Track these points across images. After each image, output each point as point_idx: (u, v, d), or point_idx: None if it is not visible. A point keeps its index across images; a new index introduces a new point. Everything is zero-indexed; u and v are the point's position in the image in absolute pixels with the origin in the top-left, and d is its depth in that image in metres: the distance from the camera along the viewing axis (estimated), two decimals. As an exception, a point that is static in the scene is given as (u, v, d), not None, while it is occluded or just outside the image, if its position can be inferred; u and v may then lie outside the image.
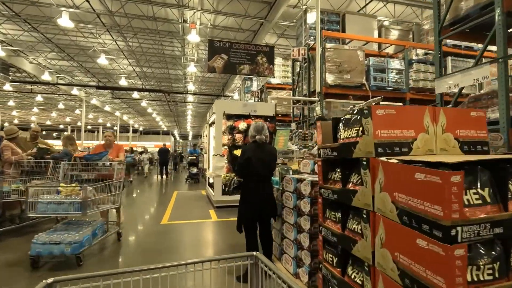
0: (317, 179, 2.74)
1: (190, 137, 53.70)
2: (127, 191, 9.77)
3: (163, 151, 14.99)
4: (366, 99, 8.15)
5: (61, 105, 29.27)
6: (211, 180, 9.10)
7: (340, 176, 2.02)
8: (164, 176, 15.08)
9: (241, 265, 1.46)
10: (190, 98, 25.70)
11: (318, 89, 7.69)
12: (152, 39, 15.00)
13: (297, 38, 9.62)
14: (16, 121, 39.41)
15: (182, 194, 9.26)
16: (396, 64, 8.15)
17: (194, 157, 13.12)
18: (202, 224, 5.56)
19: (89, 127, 42.72)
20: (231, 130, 7.29)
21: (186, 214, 6.17)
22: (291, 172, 3.59)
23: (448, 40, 8.54)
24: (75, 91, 23.71)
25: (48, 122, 40.13)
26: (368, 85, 7.97)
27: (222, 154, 6.96)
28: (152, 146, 40.26)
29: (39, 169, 5.27)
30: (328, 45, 7.77)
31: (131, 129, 39.66)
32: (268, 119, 7.32)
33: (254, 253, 1.46)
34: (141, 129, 49.23)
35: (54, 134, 47.69)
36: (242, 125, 7.11)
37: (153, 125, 44.92)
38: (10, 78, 19.09)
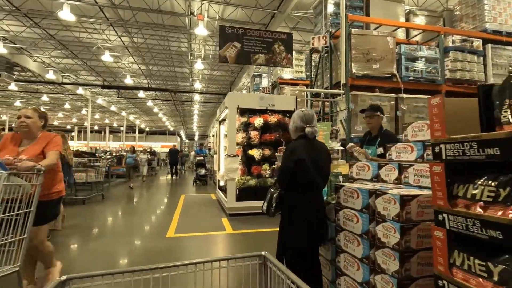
0: (404, 191, 1.76)
1: (196, 137, 52.91)
2: (128, 195, 8.89)
3: (173, 152, 15.37)
4: (396, 92, 7.15)
5: (67, 105, 28.63)
6: (221, 183, 8.17)
7: (503, 194, 1.05)
8: (174, 176, 15.51)
9: (250, 265, 1.41)
10: (196, 97, 24.86)
11: (343, 81, 6.70)
12: (158, 35, 14.13)
13: (315, 25, 8.64)
14: (23, 122, 38.96)
15: (190, 198, 8.34)
16: (430, 52, 7.12)
17: (202, 158, 12.20)
18: (215, 238, 4.61)
19: (95, 127, 42.16)
20: (246, 127, 6.34)
21: (196, 224, 5.25)
22: (341, 178, 2.62)
23: (487, 25, 7.51)
24: (80, 90, 23.01)
25: (55, 123, 39.61)
26: (399, 75, 6.95)
27: (236, 154, 6.01)
28: (159, 146, 39.53)
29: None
30: (354, 30, 6.78)
31: (137, 129, 38.97)
32: (288, 115, 6.35)
33: (263, 252, 1.41)
34: (147, 129, 48.57)
35: (62, 135, 47.24)
36: (258, 121, 6.15)
37: (159, 125, 44.24)
38: (14, 77, 18.44)
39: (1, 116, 35.97)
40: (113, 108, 28.68)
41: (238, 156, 5.99)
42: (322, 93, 7.71)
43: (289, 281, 1.16)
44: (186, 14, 12.01)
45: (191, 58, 16.80)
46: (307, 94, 8.80)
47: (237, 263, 1.39)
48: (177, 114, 30.88)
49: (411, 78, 7.00)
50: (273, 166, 6.26)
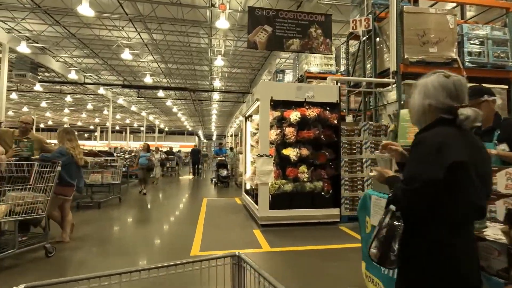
0: None
1: (214, 137, 52.49)
2: (146, 198, 8.16)
3: (195, 152, 15.79)
4: None
5: (89, 106, 28.69)
6: (248, 186, 7.22)
7: None
8: (196, 175, 15.57)
9: (223, 266, 1.35)
10: (215, 96, 24.13)
11: (393, 68, 5.59)
12: (178, 30, 13.40)
13: (352, 10, 7.54)
14: (50, 122, 39.78)
15: (213, 202, 7.44)
16: (497, 33, 5.88)
17: (223, 158, 11.31)
18: (251, 259, 3.64)
19: (117, 127, 42.47)
20: (280, 122, 5.35)
21: (224, 238, 4.30)
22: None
23: None
24: (101, 90, 22.80)
25: (79, 123, 40.20)
26: (461, 61, 5.76)
27: (269, 154, 5.04)
28: (178, 146, 39.26)
29: (21, 174, 3.59)
30: (407, 7, 5.66)
31: (157, 129, 38.86)
32: (328, 108, 5.31)
33: (237, 252, 1.38)
34: (166, 129, 48.57)
35: (86, 135, 48.08)
36: (294, 115, 5.15)
37: (178, 125, 44.05)
38: (39, 78, 18.36)
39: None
40: (133, 108, 28.48)
41: (272, 156, 5.01)
42: (364, 83, 6.61)
43: (263, 280, 1.12)
44: (207, 6, 11.19)
45: (211, 54, 16.00)
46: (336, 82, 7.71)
47: (211, 264, 1.33)
48: (195, 113, 30.34)
49: (475, 64, 5.80)
50: (311, 168, 5.25)
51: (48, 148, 4.31)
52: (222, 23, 11.30)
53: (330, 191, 5.16)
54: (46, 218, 3.73)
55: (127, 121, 36.85)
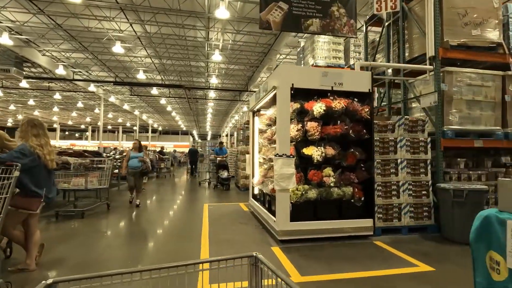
0: None
1: (209, 137, 51.27)
2: (131, 209, 6.64)
3: (193, 152, 15.34)
4: (504, 68, 5.10)
5: (80, 104, 27.23)
6: (256, 191, 6.25)
7: None
8: (194, 174, 15.10)
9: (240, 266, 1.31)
10: (211, 93, 23.04)
11: (430, 53, 4.69)
12: (173, 22, 12.31)
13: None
14: (39, 122, 37.95)
15: (215, 210, 6.42)
16: (546, 14, 5.04)
17: (224, 159, 10.28)
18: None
19: (109, 127, 40.91)
20: (299, 115, 4.39)
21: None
22: None
23: None
24: (92, 87, 21.48)
25: (70, 122, 38.52)
26: (507, 45, 4.91)
27: (290, 154, 4.07)
28: (171, 146, 37.95)
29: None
30: (448, -18, 4.77)
31: (150, 128, 37.49)
32: (356, 99, 4.38)
33: (254, 253, 1.34)
34: (160, 129, 47.13)
35: (77, 135, 46.31)
36: (318, 107, 4.21)
37: (172, 124, 42.72)
38: (24, 73, 17.01)
39: (17, 115, 34.98)
40: (126, 106, 27.16)
41: (294, 157, 4.05)
42: (389, 71, 5.71)
43: (281, 281, 1.11)
44: (205, -7, 10.18)
45: (208, 49, 14.96)
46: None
47: (228, 264, 1.29)
48: (190, 112, 29.18)
49: (523, 49, 4.95)
50: (339, 171, 4.31)
51: (9, 146, 3.24)
52: (222, 13, 10.30)
53: (362, 198, 4.23)
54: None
55: (120, 120, 35.40)
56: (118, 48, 13.37)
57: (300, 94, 4.29)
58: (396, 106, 6.17)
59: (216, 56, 13.98)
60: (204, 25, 12.66)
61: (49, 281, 1.03)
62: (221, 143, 12.03)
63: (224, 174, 9.55)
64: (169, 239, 4.44)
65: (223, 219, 5.46)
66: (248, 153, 6.74)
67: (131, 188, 6.91)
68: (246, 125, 20.17)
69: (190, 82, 21.17)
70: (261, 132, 5.90)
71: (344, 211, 4.25)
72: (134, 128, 34.85)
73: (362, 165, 4.33)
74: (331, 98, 4.39)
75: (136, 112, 30.46)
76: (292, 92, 4.14)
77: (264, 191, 5.09)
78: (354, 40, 9.49)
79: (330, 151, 4.28)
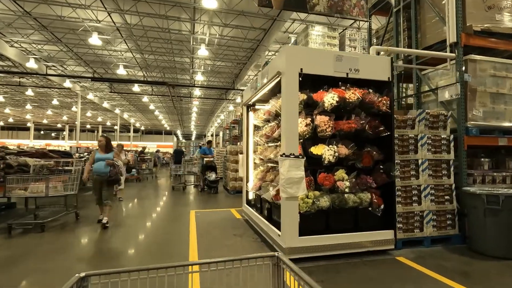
0: None
1: (193, 137, 49.83)
2: (114, 213, 5.84)
3: (178, 152, 14.57)
4: None
5: (55, 101, 25.35)
6: (250, 195, 5.45)
7: None
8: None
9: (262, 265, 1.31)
10: (196, 92, 22.01)
11: (452, 39, 4.08)
12: (156, 13, 11.30)
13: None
14: (11, 120, 35.36)
15: (204, 218, 5.54)
16: None
17: (211, 159, 9.39)
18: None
19: (88, 126, 38.73)
20: (307, 108, 3.65)
21: None
22: None
23: None
24: (68, 83, 19.90)
25: (45, 121, 36.11)
26: (532, 34, 4.38)
27: (299, 154, 3.32)
28: (155, 146, 36.38)
29: None
30: (471, -41, 4.19)
31: (132, 128, 35.75)
32: (372, 89, 3.69)
33: (276, 253, 1.33)
34: (142, 128, 45.22)
35: (53, 134, 43.67)
36: (330, 98, 3.49)
37: (155, 124, 41.07)
38: (-11, 66, 15.36)
39: (-14, 113, 32.30)
40: (105, 104, 25.55)
41: (303, 157, 3.30)
42: (400, 63, 5.08)
43: (303, 282, 1.09)
44: (191, -19, 9.30)
45: (194, 43, 14.01)
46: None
47: (250, 263, 1.29)
48: (174, 111, 27.90)
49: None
50: (353, 173, 3.60)
51: None
52: (209, 2, 9.47)
53: (381, 206, 3.54)
54: None
55: (99, 119, 33.51)
56: (95, 40, 12.17)
57: (306, 83, 3.54)
58: (401, 101, 5.56)
59: (202, 51, 13.07)
60: (190, 17, 11.72)
61: (82, 274, 1.08)
62: (209, 142, 11.11)
63: (212, 176, 8.67)
64: (148, 262, 3.55)
65: (214, 231, 4.61)
66: (241, 153, 5.87)
67: (98, 201, 4.99)
68: (233, 125, 19.32)
69: (174, 79, 20.05)
70: (257, 129, 5.13)
71: (361, 222, 3.55)
72: (115, 127, 33.09)
73: (381, 166, 3.64)
74: (343, 88, 3.67)
75: (117, 111, 28.83)
76: (301, 79, 3.38)
77: (263, 197, 4.30)
78: (349, 34, 8.92)
79: (343, 150, 3.56)
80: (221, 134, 25.84)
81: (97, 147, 5.23)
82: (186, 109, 29.86)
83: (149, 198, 8.04)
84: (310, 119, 3.56)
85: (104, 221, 4.83)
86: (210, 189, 8.78)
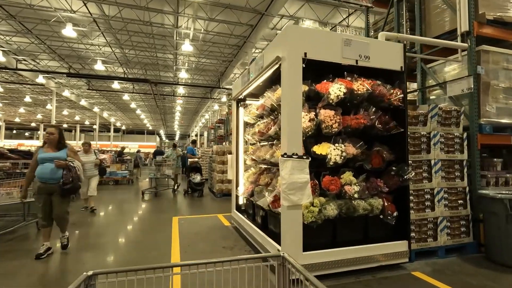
0: None
1: (177, 137, 48.43)
2: (82, 221, 5.12)
3: (158, 153, 13.32)
4: None
5: (28, 99, 23.60)
6: (240, 200, 4.86)
7: None
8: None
9: (268, 266, 1.35)
10: (180, 90, 21.12)
11: (464, 27, 3.69)
12: (136, 4, 10.49)
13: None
14: (-21, 118, 32.77)
15: (188, 225, 4.87)
16: None
17: (196, 160, 8.68)
18: None
19: (65, 125, 36.62)
20: (309, 101, 3.12)
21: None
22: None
23: None
24: (41, 79, 18.46)
25: (17, 120, 33.76)
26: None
27: (303, 154, 2.78)
28: (136, 146, 34.89)
29: None
30: None
31: (112, 127, 34.11)
32: (381, 80, 3.22)
33: (282, 253, 1.35)
34: (123, 128, 43.36)
35: (27, 134, 41.05)
36: (337, 89, 2.98)
37: (137, 123, 39.49)
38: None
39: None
40: (83, 102, 24.06)
41: (308, 158, 2.76)
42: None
43: (308, 282, 1.09)
44: (175, -32, 8.60)
45: (177, 38, 13.23)
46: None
47: (256, 263, 1.34)
48: (157, 111, 26.77)
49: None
50: (362, 176, 3.10)
51: None
52: (194, -8, 8.80)
53: (394, 214, 3.06)
54: None
55: (77, 118, 31.71)
56: (69, 31, 11.13)
57: (307, 73, 3.00)
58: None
59: (186, 46, 12.32)
60: (173, 9, 10.97)
61: (90, 272, 1.12)
62: (194, 141, 10.40)
63: (197, 178, 7.99)
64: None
65: (200, 243, 3.98)
66: (229, 153, 5.22)
67: (43, 222, 3.50)
68: (218, 124, 18.63)
69: (156, 76, 19.09)
70: (248, 126, 4.56)
71: (372, 232, 3.05)
72: (94, 126, 31.43)
73: (393, 168, 3.16)
74: (349, 78, 3.17)
75: (96, 109, 27.30)
76: (304, 65, 2.84)
77: (257, 204, 3.72)
78: (340, 30, 8.54)
79: (351, 149, 3.05)
80: (205, 134, 25.02)
81: (44, 143, 3.66)
82: (170, 108, 28.78)
83: (127, 205, 7.15)
84: (314, 113, 3.03)
85: (64, 241, 3.67)
86: (195, 192, 8.08)
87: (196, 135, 33.84)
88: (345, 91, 3.03)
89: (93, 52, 15.34)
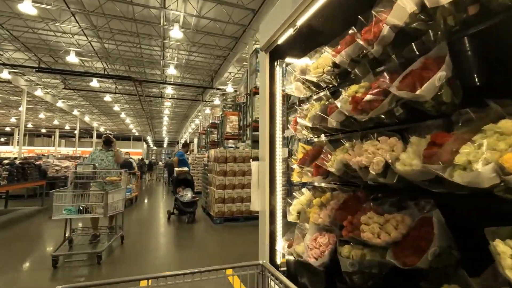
0: None
1: (165, 144, 45.22)
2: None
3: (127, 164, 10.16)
4: None
5: (-5, 99, 20.31)
6: (280, 253, 2.38)
7: None
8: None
9: (248, 275, 1.24)
10: (169, 90, 18.54)
11: None
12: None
13: None
14: None
15: None
16: None
17: (186, 169, 6.05)
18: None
19: (43, 130, 32.98)
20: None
21: None
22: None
23: None
24: (6, 74, 15.43)
25: (-11, 124, 29.93)
26: None
27: None
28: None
29: None
30: None
31: (95, 133, 30.83)
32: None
33: (261, 262, 1.26)
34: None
35: (2, 139, 36.92)
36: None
37: (122, 129, 36.27)
38: None
39: None
40: (60, 104, 21.00)
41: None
42: None
43: None
44: None
45: (165, 23, 10.80)
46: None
47: (235, 272, 1.22)
48: (143, 115, 23.95)
49: None
50: None
51: None
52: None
53: None
54: None
55: (56, 122, 28.33)
56: (27, 7, 8.50)
57: None
58: None
59: (175, 32, 9.91)
60: (159, -16, 8.62)
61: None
62: (186, 145, 7.84)
63: (187, 195, 5.45)
64: None
65: None
66: (256, 159, 2.55)
67: None
68: (210, 129, 16.12)
69: (141, 73, 16.48)
70: (301, 105, 2.15)
71: None
72: (75, 132, 28.13)
73: None
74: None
75: (76, 112, 24.18)
76: None
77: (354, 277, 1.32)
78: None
79: None
80: (195, 140, 22.41)
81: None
82: (157, 112, 26.00)
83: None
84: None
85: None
86: (184, 214, 5.53)
87: (185, 142, 31.09)
88: None
89: (65, 42, 12.63)
